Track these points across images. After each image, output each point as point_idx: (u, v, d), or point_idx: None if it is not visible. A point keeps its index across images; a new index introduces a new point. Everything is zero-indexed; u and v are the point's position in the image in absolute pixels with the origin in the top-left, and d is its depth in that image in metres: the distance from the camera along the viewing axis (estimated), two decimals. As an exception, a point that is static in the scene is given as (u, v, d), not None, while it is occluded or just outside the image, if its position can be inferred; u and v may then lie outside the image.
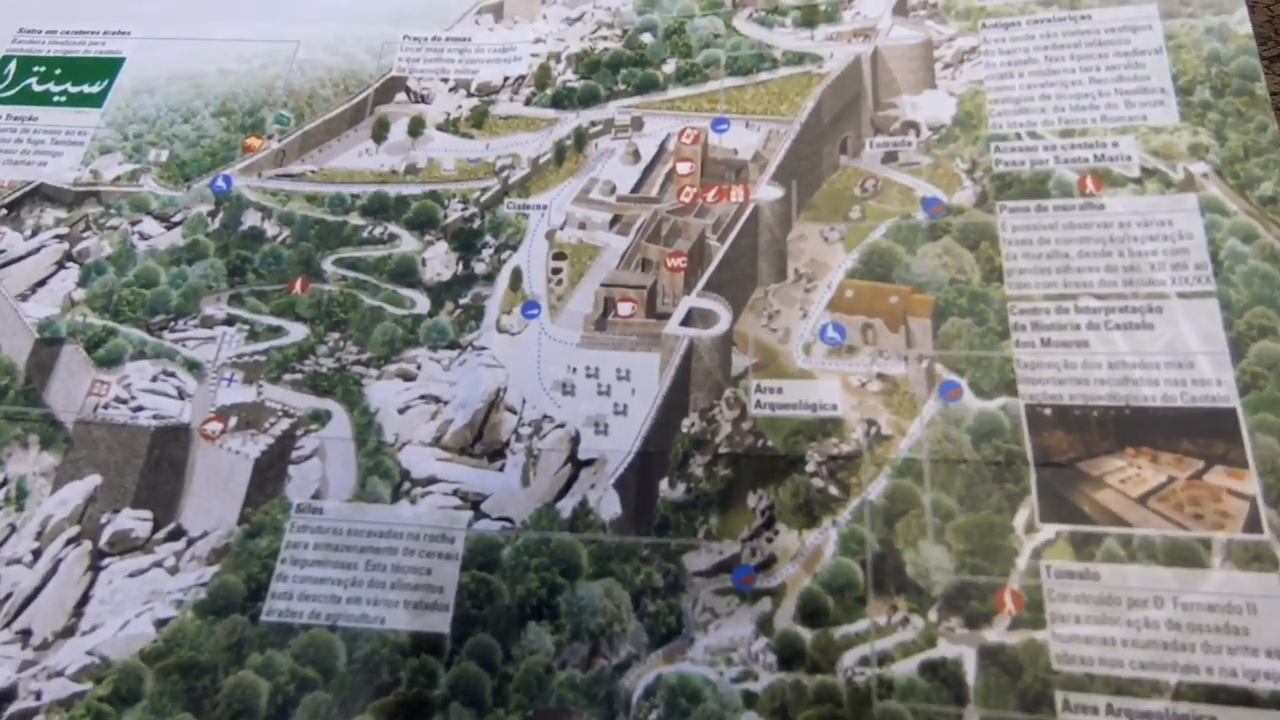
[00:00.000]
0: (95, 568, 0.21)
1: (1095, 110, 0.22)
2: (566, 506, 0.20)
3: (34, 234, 0.25)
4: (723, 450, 0.20)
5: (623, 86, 0.26)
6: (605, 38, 0.27)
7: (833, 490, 0.20)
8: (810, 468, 0.20)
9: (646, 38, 0.26)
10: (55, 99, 0.27)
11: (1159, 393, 0.19)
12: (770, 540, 0.19)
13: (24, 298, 0.24)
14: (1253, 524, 0.18)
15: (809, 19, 0.25)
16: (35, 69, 0.28)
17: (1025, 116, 0.22)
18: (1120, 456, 0.19)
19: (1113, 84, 0.22)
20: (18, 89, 0.27)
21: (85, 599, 0.20)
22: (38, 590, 0.20)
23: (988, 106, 0.23)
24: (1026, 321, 0.20)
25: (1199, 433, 0.18)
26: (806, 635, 0.18)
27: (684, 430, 0.21)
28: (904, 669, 0.17)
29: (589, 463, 0.21)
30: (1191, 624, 0.17)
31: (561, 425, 0.21)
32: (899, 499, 0.19)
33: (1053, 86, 0.22)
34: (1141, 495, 0.18)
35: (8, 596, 0.20)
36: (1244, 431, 0.18)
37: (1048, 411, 0.19)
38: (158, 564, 0.21)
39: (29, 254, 0.25)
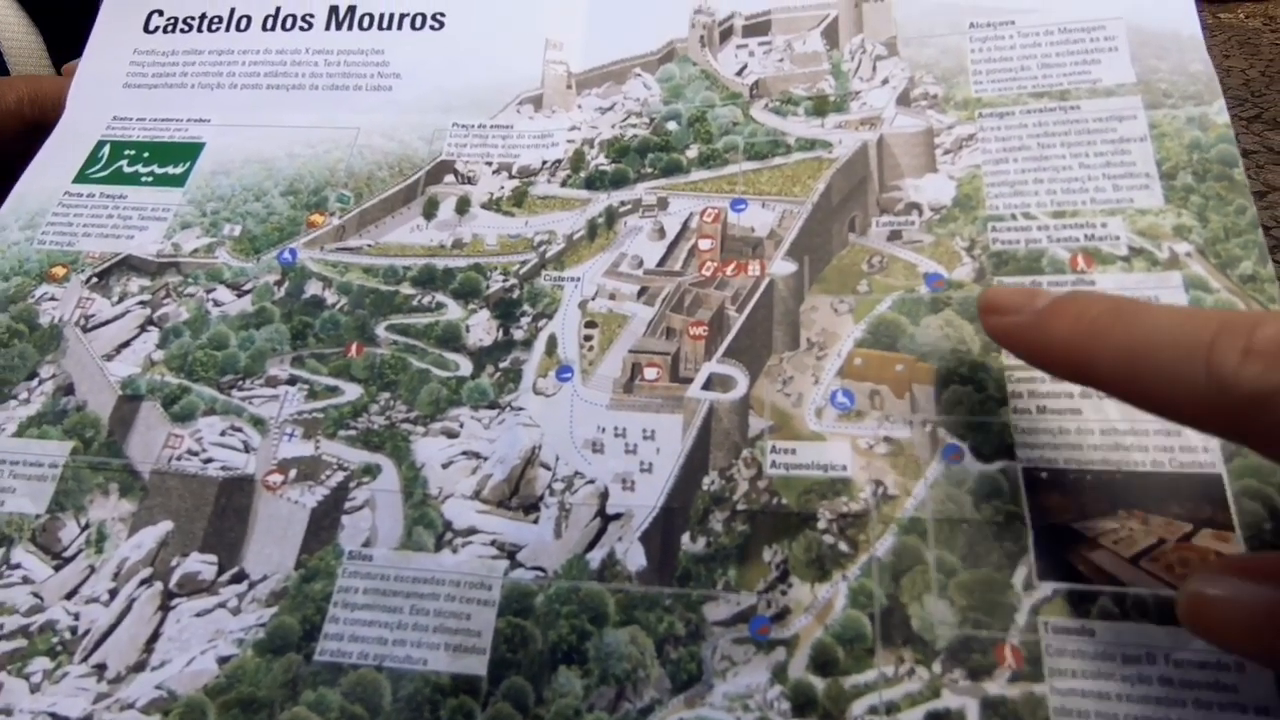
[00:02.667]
0: (165, 607, 0.22)
1: (1085, 193, 0.24)
2: (595, 558, 0.22)
3: (120, 300, 0.28)
4: (740, 507, 0.22)
5: (650, 170, 0.28)
6: (634, 125, 0.29)
7: (843, 546, 0.21)
8: (822, 525, 0.21)
9: (671, 125, 0.29)
10: (143, 179, 0.30)
11: (1149, 458, 0.20)
12: (784, 593, 0.21)
13: (109, 358, 0.27)
14: (1240, 585, 0.19)
15: (820, 109, 0.28)
16: (126, 152, 0.31)
17: (1020, 199, 0.24)
18: (1113, 518, 0.20)
19: (1101, 169, 0.24)
20: (110, 170, 0.31)
21: (155, 636, 0.22)
22: (113, 627, 0.22)
23: (985, 189, 0.25)
24: (1023, 389, 0.22)
25: (1187, 497, 0.20)
26: (819, 684, 0.19)
27: (704, 488, 0.22)
28: (910, 718, 0.19)
29: (616, 517, 0.23)
30: (1183, 680, 0.18)
31: (591, 481, 0.23)
32: (905, 556, 0.21)
33: (1045, 171, 0.24)
34: (1134, 555, 0.20)
35: (86, 633, 0.22)
36: (1229, 496, 0.19)
37: (1044, 475, 0.21)
38: (221, 605, 0.22)
39: (115, 318, 0.27)
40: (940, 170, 0.25)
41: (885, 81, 0.28)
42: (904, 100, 0.27)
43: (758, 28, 0.30)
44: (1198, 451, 0.20)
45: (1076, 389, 0.21)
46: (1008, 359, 0.22)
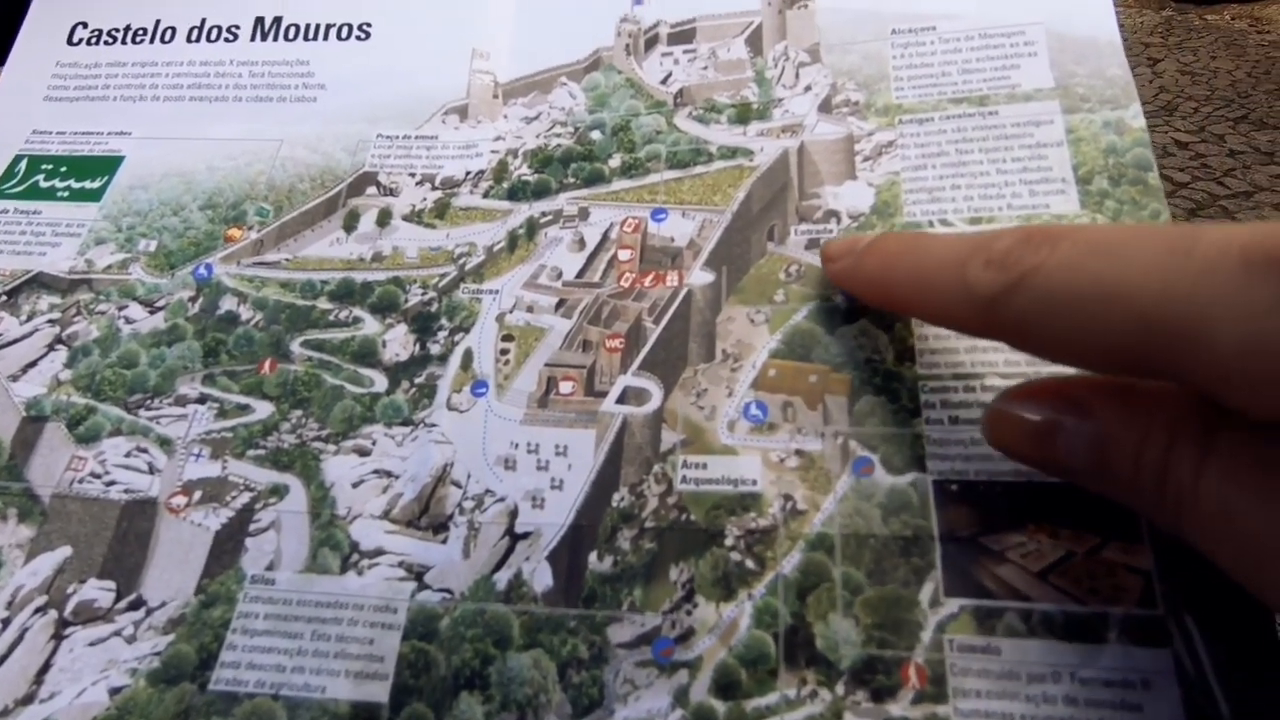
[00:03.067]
0: (59, 636, 0.22)
1: (1002, 199, 0.23)
2: (502, 578, 0.22)
3: (28, 319, 0.27)
4: (649, 524, 0.21)
5: (572, 180, 0.28)
6: (559, 135, 0.29)
7: (750, 564, 0.20)
8: (729, 541, 0.21)
9: (595, 135, 0.29)
10: (59, 194, 0.30)
11: (1057, 470, 0.20)
12: (689, 613, 0.20)
13: (15, 378, 0.26)
14: (1147, 599, 0.18)
15: (742, 116, 0.28)
16: (44, 167, 0.31)
17: (937, 205, 0.24)
18: (1022, 532, 0.19)
19: (1018, 175, 0.24)
20: (26, 185, 0.30)
21: (47, 667, 0.21)
22: (3, 658, 0.21)
23: (903, 196, 0.24)
24: (936, 400, 0.21)
25: (1095, 509, 0.19)
26: (720, 708, 0.19)
27: (614, 504, 0.22)
28: (811, 742, 0.18)
29: (525, 536, 0.22)
30: (1089, 699, 0.17)
31: (502, 499, 0.23)
32: (811, 573, 0.20)
33: (963, 178, 0.24)
34: (1042, 570, 0.19)
35: (-24, 664, 0.22)
36: (1136, 508, 0.19)
37: (954, 487, 0.20)
38: (117, 633, 0.22)
39: (22, 338, 0.27)
40: (859, 177, 0.25)
41: (808, 89, 0.27)
42: (826, 107, 0.27)
43: (682, 35, 0.30)
44: (1106, 462, 0.20)
45: (989, 398, 0.21)
46: (921, 368, 0.22)
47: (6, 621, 0.22)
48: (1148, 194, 0.23)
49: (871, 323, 0.23)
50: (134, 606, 0.22)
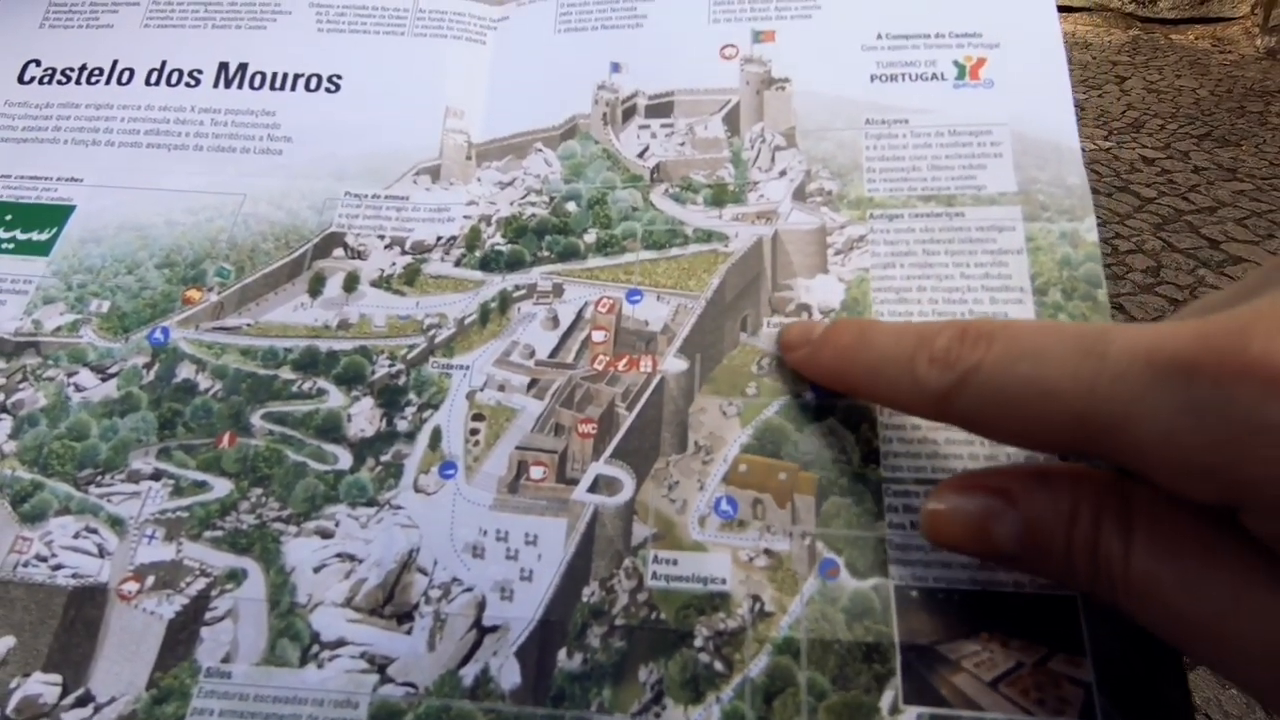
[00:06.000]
0: (-1, 735, 0.21)
1: (964, 304, 0.24)
2: (469, 674, 0.21)
3: (-31, 385, 0.26)
4: (619, 622, 0.22)
5: (546, 253, 0.28)
6: (534, 204, 0.29)
7: (718, 666, 0.21)
8: (699, 643, 0.21)
9: (571, 206, 0.28)
10: (4, 246, 0.28)
11: (1011, 579, 0.21)
12: (658, 715, 0.20)
13: (-47, 450, 0.25)
14: (1087, 711, 0.19)
15: (719, 198, 0.28)
16: (-13, 215, 0.29)
17: (904, 305, 0.25)
18: (975, 640, 0.20)
19: (980, 280, 0.25)
20: (-33, 235, 0.29)
21: (-15, 770, 0.20)
22: (-62, 760, 0.21)
23: (871, 294, 0.25)
24: (899, 504, 0.22)
25: (1043, 619, 0.20)
26: (685, 815, 0.19)
27: (584, 599, 0.22)
28: None
29: (493, 629, 0.22)
30: (1036, 810, 0.18)
31: (470, 589, 0.23)
32: (778, 677, 0.20)
33: (929, 279, 0.25)
34: (993, 679, 0.20)
35: (-93, 766, 0.20)
36: (1082, 621, 0.20)
37: (914, 594, 0.21)
38: (62, 731, 0.21)
39: (-37, 406, 0.26)
40: (831, 271, 0.26)
41: (783, 173, 0.28)
42: (800, 195, 0.27)
43: (660, 108, 0.30)
44: (1057, 574, 0.21)
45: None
46: (885, 470, 0.23)
47: (-59, 720, 0.21)
48: (1096, 310, 0.24)
49: (839, 421, 0.23)
50: (81, 703, 0.21)
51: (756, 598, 0.21)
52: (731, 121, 0.29)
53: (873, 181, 0.27)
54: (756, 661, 0.21)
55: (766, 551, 0.22)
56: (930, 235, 0.25)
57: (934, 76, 0.28)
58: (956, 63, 0.28)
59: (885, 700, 0.20)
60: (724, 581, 0.22)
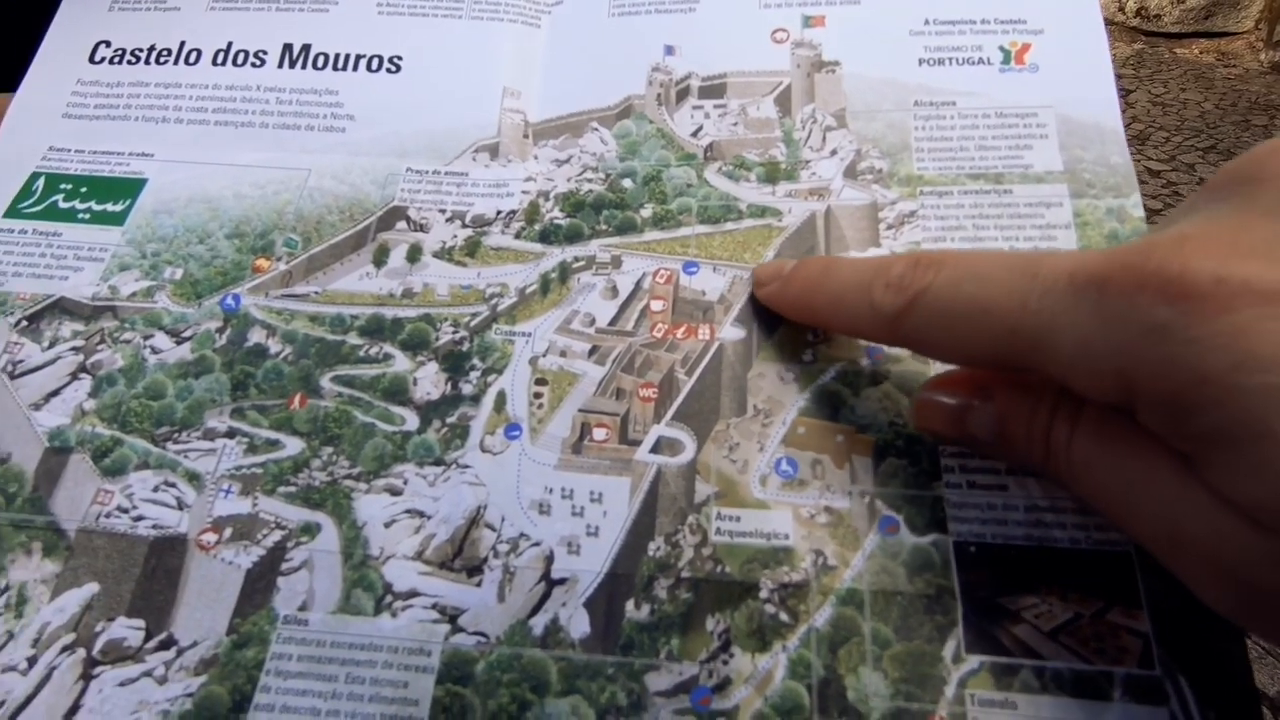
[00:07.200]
0: (87, 676, 0.22)
1: (1016, 275, 0.25)
2: (539, 624, 0.22)
3: (51, 345, 0.27)
4: (685, 575, 0.22)
5: (604, 226, 0.29)
6: (590, 180, 0.30)
7: (783, 616, 0.22)
8: (764, 594, 0.22)
9: (627, 183, 0.29)
10: (80, 216, 0.29)
11: (1067, 536, 0.21)
12: (726, 663, 0.21)
13: (37, 407, 0.26)
14: (1145, 660, 0.20)
15: (771, 175, 0.29)
16: (63, 186, 0.30)
17: (956, 277, 0.25)
18: (1035, 593, 0.21)
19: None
20: (44, 205, 0.30)
21: (75, 708, 0.21)
22: (30, 698, 0.21)
23: (924, 266, 0.26)
24: (954, 464, 0.23)
25: (1100, 574, 0.21)
26: (755, 756, 0.20)
27: (650, 554, 0.23)
28: (843, 791, 0.19)
29: (561, 581, 0.23)
30: (1097, 753, 0.19)
31: (537, 544, 0.23)
32: (842, 627, 0.21)
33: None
34: (1053, 630, 0.21)
35: (1, 704, 0.21)
36: (1137, 575, 0.21)
37: (973, 549, 0.22)
38: (147, 673, 0.22)
39: (45, 365, 0.26)
40: (883, 245, 0.26)
41: (834, 153, 0.29)
42: (850, 173, 0.28)
43: (713, 90, 0.31)
44: (1110, 530, 0.21)
45: (1003, 465, 0.22)
46: (942, 433, 0.23)
47: (33, 660, 0.22)
48: (1149, 277, 0.24)
49: (894, 386, 0.24)
50: (164, 646, 0.22)
51: (819, 552, 0.22)
52: (783, 102, 0.30)
53: (922, 160, 0.28)
54: (821, 612, 0.21)
55: (827, 509, 0.23)
56: (980, 211, 0.26)
57: (980, 61, 0.29)
58: (1002, 48, 0.29)
59: (948, 649, 0.21)
60: (787, 537, 0.22)
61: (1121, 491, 0.17)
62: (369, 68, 0.32)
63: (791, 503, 0.23)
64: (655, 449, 0.24)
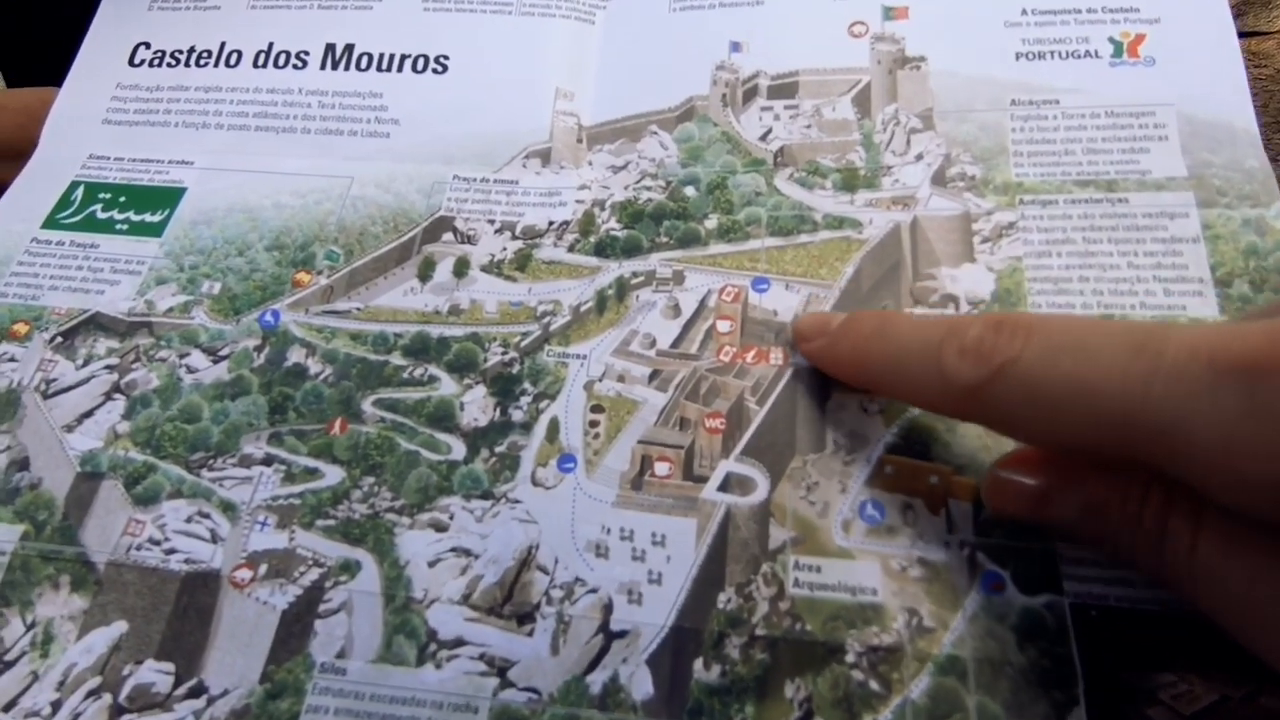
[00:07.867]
0: (114, 724, 0.20)
1: (1135, 296, 0.22)
2: (597, 681, 0.20)
3: (85, 364, 0.26)
4: (760, 632, 0.20)
5: (665, 239, 0.26)
6: (649, 188, 0.27)
7: (874, 685, 0.19)
8: (850, 658, 0.19)
9: (689, 191, 0.27)
10: (118, 227, 0.28)
11: (1209, 603, 0.19)
12: (807, 736, 0.19)
13: (70, 429, 0.24)
14: (1313, 756, 0.17)
15: (849, 183, 0.26)
16: (101, 196, 0.29)
17: (1065, 298, 0.23)
18: (1171, 669, 0.18)
19: (1151, 270, 0.22)
20: (82, 215, 0.28)
21: (101, 759, 0.20)
22: (54, 747, 0.20)
23: (1027, 285, 0.23)
24: (1070, 513, 0.20)
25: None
26: None
27: (720, 606, 0.20)
28: None
29: (621, 634, 0.21)
30: None
31: (594, 590, 0.21)
32: (942, 700, 0.19)
33: (1091, 269, 0.23)
34: (1194, 714, 0.18)
35: (23, 752, 0.20)
36: (1301, 653, 0.18)
37: (1094, 613, 0.19)
38: (177, 723, 0.20)
39: (78, 384, 0.25)
40: (979, 260, 0.24)
41: (919, 157, 0.26)
42: (939, 179, 0.25)
43: (784, 89, 0.28)
44: (1264, 597, 0.18)
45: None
46: (1053, 476, 0.20)
47: (57, 705, 0.20)
48: (1295, 301, 0.21)
49: (997, 421, 0.21)
50: (194, 693, 0.21)
51: (913, 611, 0.20)
52: (862, 103, 0.27)
53: (1020, 166, 0.25)
54: (918, 682, 0.19)
55: (920, 561, 0.20)
56: (1090, 222, 0.23)
57: (1087, 54, 0.26)
58: (1112, 39, 0.26)
59: (1067, 732, 0.18)
60: (875, 592, 0.20)
61: (1262, 612, 0.15)
62: (414, 68, 0.31)
63: (879, 552, 0.20)
64: (724, 487, 0.22)
